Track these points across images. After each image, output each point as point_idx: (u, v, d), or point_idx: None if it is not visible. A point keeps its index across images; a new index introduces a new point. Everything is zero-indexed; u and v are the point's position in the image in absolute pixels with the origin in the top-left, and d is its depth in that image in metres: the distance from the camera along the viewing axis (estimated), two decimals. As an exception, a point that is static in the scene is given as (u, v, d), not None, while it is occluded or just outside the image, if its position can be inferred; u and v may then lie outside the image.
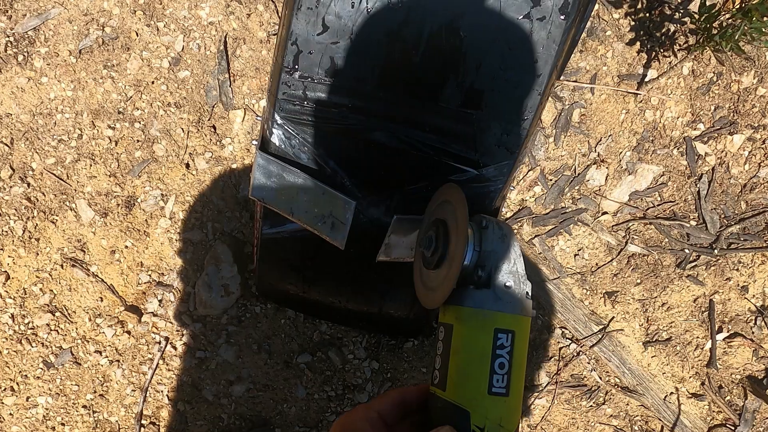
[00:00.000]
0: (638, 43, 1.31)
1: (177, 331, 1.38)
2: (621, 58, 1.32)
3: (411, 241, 1.03)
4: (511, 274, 0.58)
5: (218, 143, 1.36)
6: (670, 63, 1.30)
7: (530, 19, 0.88)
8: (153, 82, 1.35)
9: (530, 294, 0.59)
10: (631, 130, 1.34)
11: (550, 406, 1.38)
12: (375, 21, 0.90)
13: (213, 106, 1.36)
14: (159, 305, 1.38)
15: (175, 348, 1.37)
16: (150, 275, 1.37)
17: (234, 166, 1.37)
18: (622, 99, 1.33)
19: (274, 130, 0.99)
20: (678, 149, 1.34)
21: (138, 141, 1.36)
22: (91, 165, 1.36)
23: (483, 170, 1.01)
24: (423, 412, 0.60)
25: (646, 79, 1.32)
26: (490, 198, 1.04)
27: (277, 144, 1.00)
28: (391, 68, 0.93)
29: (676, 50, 1.30)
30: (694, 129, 1.33)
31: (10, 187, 1.35)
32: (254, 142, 1.17)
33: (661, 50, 1.30)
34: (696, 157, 1.34)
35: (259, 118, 1.35)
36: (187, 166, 1.37)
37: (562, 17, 0.88)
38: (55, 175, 1.36)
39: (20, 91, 1.35)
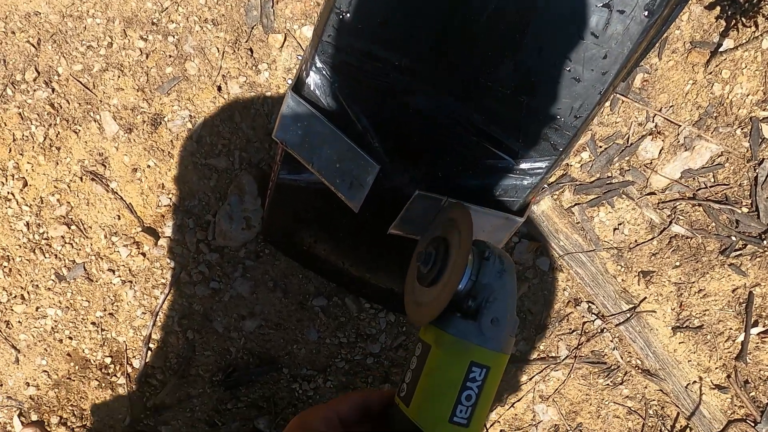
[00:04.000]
0: (718, 8, 1.20)
1: (193, 258, 1.34)
2: (697, 23, 1.22)
3: (427, 219, 0.97)
4: (501, 311, 0.57)
5: (254, 68, 1.28)
6: (751, 34, 1.19)
7: (610, 9, 0.79)
8: (191, -5, 1.27)
9: (515, 332, 0.58)
10: (695, 102, 1.25)
11: (565, 380, 1.34)
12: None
13: (252, 28, 1.28)
14: (177, 230, 1.33)
15: (189, 276, 1.34)
16: (170, 198, 1.32)
17: (268, 94, 1.29)
18: (690, 68, 1.23)
19: (311, 73, 0.92)
20: (742, 129, 1.25)
21: (170, 56, 1.29)
22: (119, 76, 1.29)
23: (521, 162, 0.93)
24: (383, 418, 0.60)
25: (721, 49, 1.21)
26: (523, 191, 0.97)
27: (312, 88, 0.93)
28: (448, 32, 0.84)
29: (758, 21, 1.19)
30: (763, 109, 1.24)
31: (34, 90, 1.29)
32: (289, 81, 1.10)
33: (743, 19, 1.19)
34: (760, 140, 1.24)
35: (299, 56, 1.27)
36: (219, 88, 1.29)
37: (646, 13, 0.79)
38: (81, 82, 1.29)
39: (51, -12, 1.27)
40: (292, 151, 1.01)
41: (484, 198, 1.00)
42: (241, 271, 1.34)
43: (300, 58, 1.27)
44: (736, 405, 1.30)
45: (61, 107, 1.30)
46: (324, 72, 0.93)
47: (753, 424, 1.29)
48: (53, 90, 1.30)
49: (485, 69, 0.87)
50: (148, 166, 1.31)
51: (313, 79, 0.94)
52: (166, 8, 1.28)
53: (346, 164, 0.97)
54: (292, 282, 1.35)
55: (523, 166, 0.96)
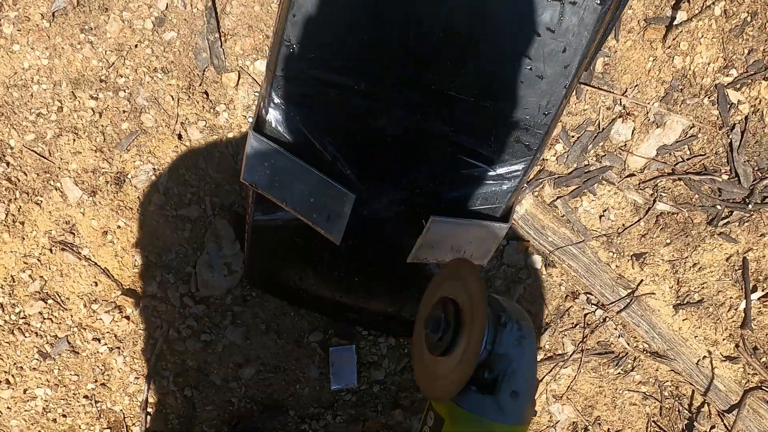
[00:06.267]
0: (666, -17, 1.20)
1: (179, 313, 1.29)
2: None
3: (447, 244, 0.95)
4: (521, 382, 0.52)
5: (212, 110, 1.25)
6: (703, 3, 1.19)
7: (562, 2, 0.78)
8: (136, 46, 1.23)
9: (535, 396, 0.54)
10: (659, 78, 1.24)
11: (575, 376, 1.32)
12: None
13: (204, 70, 1.25)
14: (158, 287, 1.29)
15: (178, 332, 1.29)
16: (147, 256, 1.28)
17: (230, 135, 1.26)
18: (648, 45, 1.23)
19: (270, 110, 0.89)
20: (709, 98, 1.24)
21: (124, 111, 1.25)
22: (74, 140, 1.25)
23: (497, 167, 0.91)
24: None
25: (676, 23, 1.21)
26: (504, 196, 0.95)
27: (273, 125, 0.90)
28: (403, 49, 0.82)
29: (707, -12, 1.19)
30: (726, 75, 1.23)
31: (-12, 167, 1.24)
32: (250, 119, 1.08)
33: (692, -11, 1.19)
34: (728, 106, 1.24)
35: (256, 93, 1.24)
36: (180, 137, 1.26)
37: (598, 2, 0.78)
38: (35, 152, 1.25)
39: (-10, 61, 1.23)
40: (262, 191, 0.98)
41: (466, 209, 0.98)
42: (230, 319, 1.30)
43: (257, 94, 1.24)
44: (749, 373, 1.29)
45: (19, 180, 1.25)
46: (283, 107, 0.91)
47: (769, 390, 1.28)
48: (8, 164, 1.25)
49: (446, 80, 0.85)
50: (119, 227, 1.27)
51: (273, 116, 0.92)
52: (113, 63, 1.24)
53: (320, 197, 0.94)
54: (284, 321, 1.31)
55: (500, 171, 0.94)
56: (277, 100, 0.91)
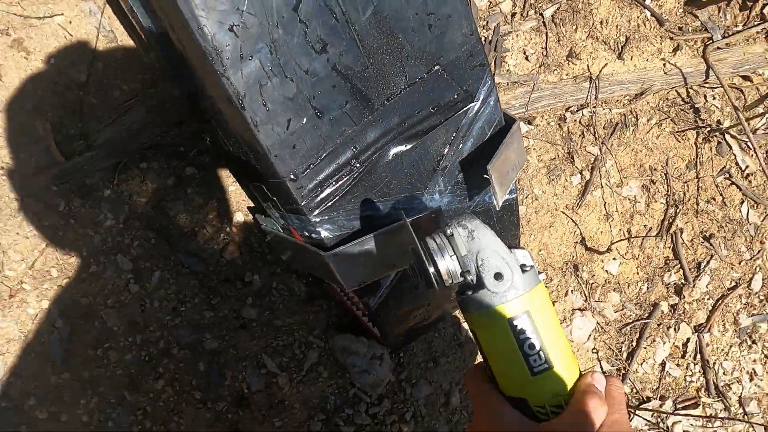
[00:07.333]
0: None
1: (384, 425, 1.36)
2: None
3: (505, 172, 1.08)
4: (495, 264, 0.60)
5: (237, 282, 1.27)
6: None
7: None
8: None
9: (528, 264, 0.61)
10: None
11: (615, 159, 1.53)
12: (315, 73, 0.87)
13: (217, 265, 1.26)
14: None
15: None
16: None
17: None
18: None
19: (318, 229, 0.96)
20: None
21: (194, 356, 1.24)
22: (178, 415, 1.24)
23: (479, 95, 1.05)
24: None
25: None
26: (496, 109, 1.08)
27: (331, 235, 0.97)
28: (356, 94, 0.91)
29: None
30: None
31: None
32: (284, 256, 1.12)
33: None
34: None
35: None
36: (241, 320, 1.28)
37: None
38: (168, 457, 1.23)
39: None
40: (370, 280, 1.06)
41: (487, 142, 1.11)
42: (410, 387, 1.38)
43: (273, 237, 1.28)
44: (694, 48, 1.55)
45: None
46: (324, 217, 0.98)
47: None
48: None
49: (398, 80, 0.96)
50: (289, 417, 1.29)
51: (324, 229, 0.98)
52: (138, 330, 1.22)
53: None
54: (438, 342, 1.41)
55: (481, 96, 1.07)
56: (317, 219, 0.98)
